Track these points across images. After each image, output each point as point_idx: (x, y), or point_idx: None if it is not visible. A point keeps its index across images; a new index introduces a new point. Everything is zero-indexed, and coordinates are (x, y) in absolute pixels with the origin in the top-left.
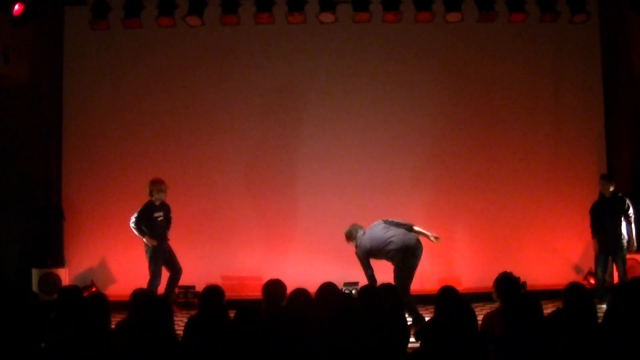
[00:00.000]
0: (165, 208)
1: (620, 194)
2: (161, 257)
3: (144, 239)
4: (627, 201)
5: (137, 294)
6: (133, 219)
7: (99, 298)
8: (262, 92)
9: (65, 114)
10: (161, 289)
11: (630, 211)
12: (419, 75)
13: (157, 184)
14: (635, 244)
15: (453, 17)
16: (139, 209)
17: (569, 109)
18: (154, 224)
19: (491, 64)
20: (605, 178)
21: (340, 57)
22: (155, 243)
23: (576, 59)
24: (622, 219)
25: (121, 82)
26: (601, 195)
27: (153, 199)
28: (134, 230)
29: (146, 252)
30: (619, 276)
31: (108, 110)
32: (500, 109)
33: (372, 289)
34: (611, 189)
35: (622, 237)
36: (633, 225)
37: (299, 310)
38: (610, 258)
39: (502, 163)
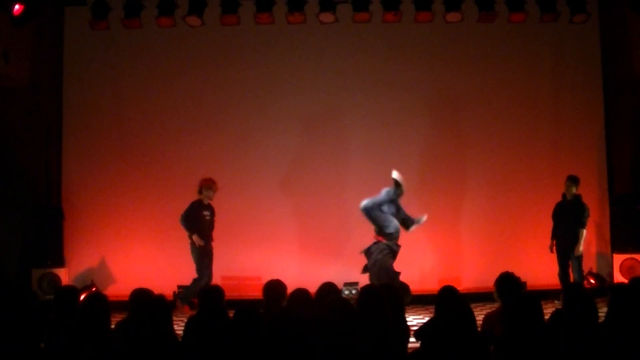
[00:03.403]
0: (211, 209)
1: (581, 198)
2: (207, 256)
3: (193, 237)
4: (585, 206)
5: (137, 293)
6: (182, 215)
7: (99, 298)
8: (262, 92)
9: (65, 114)
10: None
11: (584, 216)
12: (419, 75)
13: (206, 182)
14: (580, 249)
15: (453, 17)
16: (196, 209)
17: (569, 109)
18: (203, 222)
19: (491, 64)
20: (570, 179)
21: (340, 57)
22: (202, 243)
23: (576, 59)
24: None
25: (121, 82)
26: (563, 196)
27: (202, 197)
28: (183, 226)
29: (192, 251)
30: (574, 278)
31: (108, 110)
32: (500, 109)
33: (372, 289)
34: (574, 191)
35: (575, 241)
36: (584, 231)
37: (299, 311)
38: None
39: (502, 163)
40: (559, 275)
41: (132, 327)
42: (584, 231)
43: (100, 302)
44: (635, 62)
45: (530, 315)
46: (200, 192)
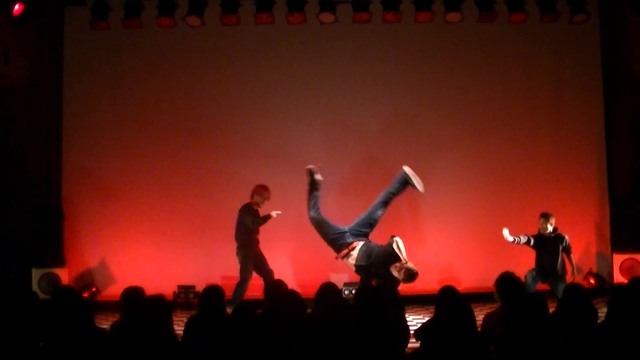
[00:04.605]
0: (257, 214)
1: (558, 231)
2: (253, 261)
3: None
4: (566, 238)
5: (127, 293)
6: (249, 224)
7: (79, 299)
8: (262, 92)
9: (65, 114)
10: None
11: (568, 243)
12: (418, 75)
13: (258, 189)
14: (576, 272)
15: (453, 17)
16: (242, 213)
17: (569, 109)
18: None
19: (491, 64)
20: (544, 217)
21: (340, 57)
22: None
23: (576, 59)
24: (562, 254)
25: (121, 82)
26: (539, 232)
27: (252, 202)
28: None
29: (238, 254)
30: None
31: (108, 110)
32: (500, 109)
33: (372, 288)
34: (549, 228)
35: (563, 271)
36: (572, 256)
37: (297, 312)
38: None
39: (502, 163)
40: (525, 278)
41: (125, 327)
42: (572, 256)
43: (81, 303)
44: (635, 62)
45: (533, 315)
46: (252, 196)
